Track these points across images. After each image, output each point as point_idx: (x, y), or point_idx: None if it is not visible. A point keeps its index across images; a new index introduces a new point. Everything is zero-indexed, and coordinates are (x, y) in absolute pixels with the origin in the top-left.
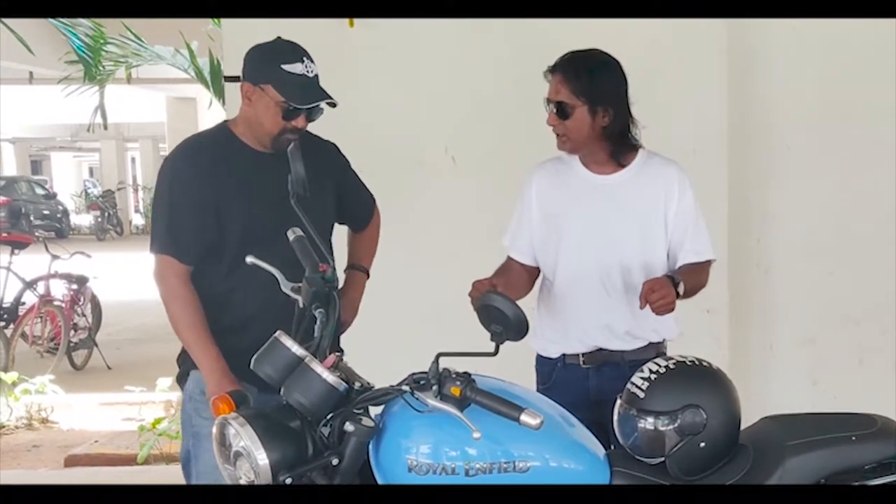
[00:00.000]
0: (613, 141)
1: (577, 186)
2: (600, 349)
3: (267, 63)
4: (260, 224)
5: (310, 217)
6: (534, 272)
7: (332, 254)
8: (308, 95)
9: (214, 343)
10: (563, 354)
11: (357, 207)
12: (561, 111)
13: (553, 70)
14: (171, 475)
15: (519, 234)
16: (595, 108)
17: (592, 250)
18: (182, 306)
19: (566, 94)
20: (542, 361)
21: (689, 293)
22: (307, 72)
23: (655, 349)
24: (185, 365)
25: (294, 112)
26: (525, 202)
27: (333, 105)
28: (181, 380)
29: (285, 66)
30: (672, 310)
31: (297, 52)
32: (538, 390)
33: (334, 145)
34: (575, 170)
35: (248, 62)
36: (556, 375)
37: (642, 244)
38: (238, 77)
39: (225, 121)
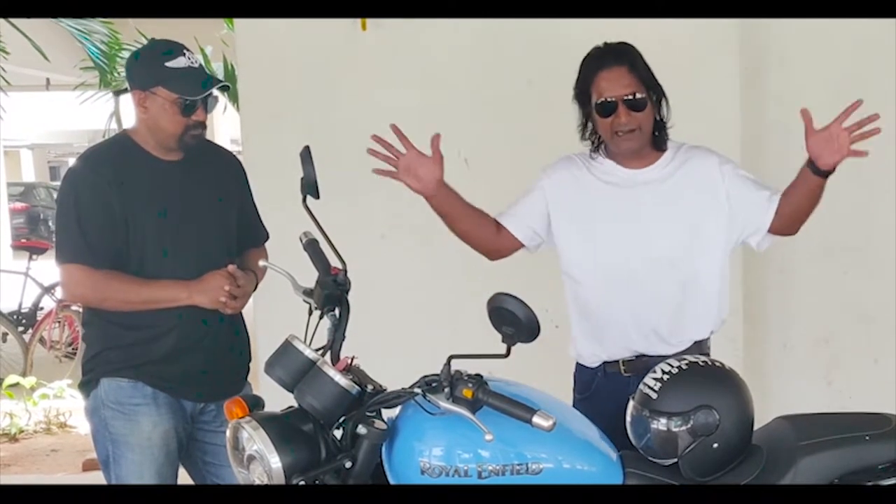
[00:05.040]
0: (661, 129)
1: (612, 184)
2: (641, 356)
3: (150, 66)
4: (165, 233)
5: (216, 222)
6: (512, 241)
7: (232, 260)
8: (201, 84)
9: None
10: (604, 363)
11: (247, 232)
12: (635, 105)
13: (609, 63)
14: (187, 476)
15: (521, 214)
16: (654, 95)
17: (635, 250)
18: (112, 281)
19: (637, 85)
20: (581, 370)
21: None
22: (192, 63)
23: (699, 348)
24: (96, 372)
25: (191, 106)
26: (537, 198)
27: (227, 88)
28: (89, 385)
29: (169, 64)
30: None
31: (176, 48)
32: (576, 399)
33: (238, 159)
34: (605, 167)
35: (131, 70)
36: (596, 384)
37: (690, 237)
38: (125, 90)
39: (124, 130)
